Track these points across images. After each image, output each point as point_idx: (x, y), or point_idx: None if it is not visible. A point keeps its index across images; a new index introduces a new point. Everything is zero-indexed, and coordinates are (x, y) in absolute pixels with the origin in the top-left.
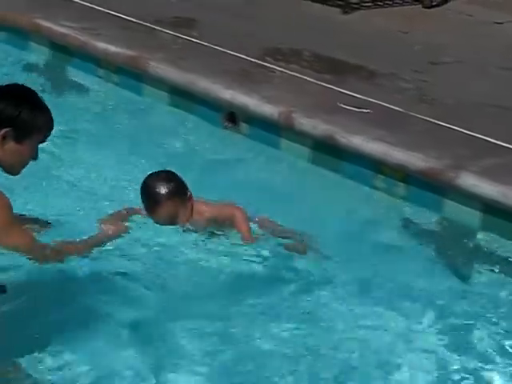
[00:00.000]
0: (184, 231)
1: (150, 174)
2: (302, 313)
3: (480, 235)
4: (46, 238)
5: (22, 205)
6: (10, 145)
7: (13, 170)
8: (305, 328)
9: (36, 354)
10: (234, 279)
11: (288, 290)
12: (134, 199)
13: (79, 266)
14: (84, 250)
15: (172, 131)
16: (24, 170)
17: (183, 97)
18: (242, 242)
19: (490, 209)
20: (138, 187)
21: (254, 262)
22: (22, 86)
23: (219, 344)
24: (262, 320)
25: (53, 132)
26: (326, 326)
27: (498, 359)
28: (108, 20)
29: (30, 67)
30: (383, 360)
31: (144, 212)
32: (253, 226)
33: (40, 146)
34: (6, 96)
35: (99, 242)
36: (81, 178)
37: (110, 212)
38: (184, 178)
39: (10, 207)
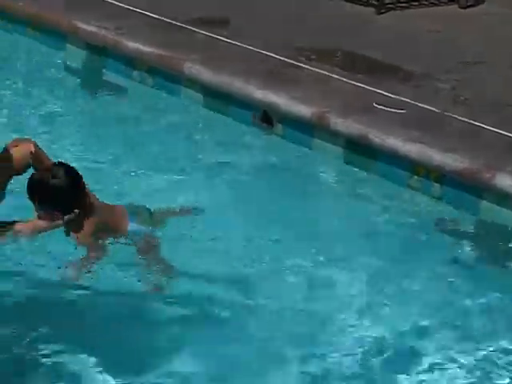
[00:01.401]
0: None
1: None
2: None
3: None
4: None
5: None
6: None
7: None
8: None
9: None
10: None
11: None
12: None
13: None
14: None
15: (205, 131)
16: None
17: (217, 97)
18: None
19: None
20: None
21: None
22: None
23: None
24: None
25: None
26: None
27: None
28: (142, 20)
29: (66, 68)
30: None
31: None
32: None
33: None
34: None
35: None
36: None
37: None
38: (219, 180)
39: None
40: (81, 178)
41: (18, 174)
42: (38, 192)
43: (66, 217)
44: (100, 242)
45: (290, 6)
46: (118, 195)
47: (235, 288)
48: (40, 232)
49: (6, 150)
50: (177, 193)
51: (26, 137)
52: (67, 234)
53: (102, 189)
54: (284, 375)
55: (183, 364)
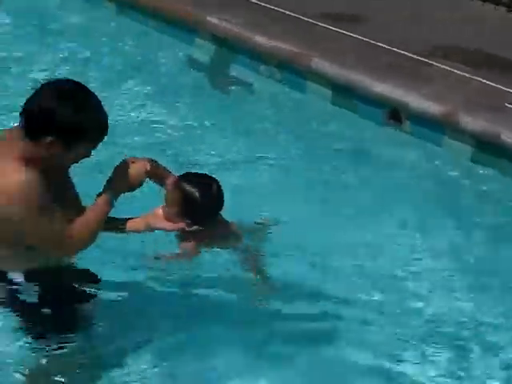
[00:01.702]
0: None
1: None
2: None
3: None
4: None
5: None
6: (57, 150)
7: (61, 168)
8: None
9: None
10: None
11: None
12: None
13: None
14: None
15: (333, 127)
16: None
17: (345, 93)
18: None
19: None
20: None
21: None
22: (70, 84)
23: None
24: None
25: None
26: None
27: None
28: (271, 15)
29: (195, 62)
30: None
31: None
32: None
33: None
34: (50, 101)
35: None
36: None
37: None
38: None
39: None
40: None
41: (132, 190)
42: (185, 202)
43: (193, 227)
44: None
45: (420, 3)
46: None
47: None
48: (154, 230)
49: (124, 162)
50: (306, 188)
51: (144, 156)
52: (179, 239)
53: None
54: None
55: None
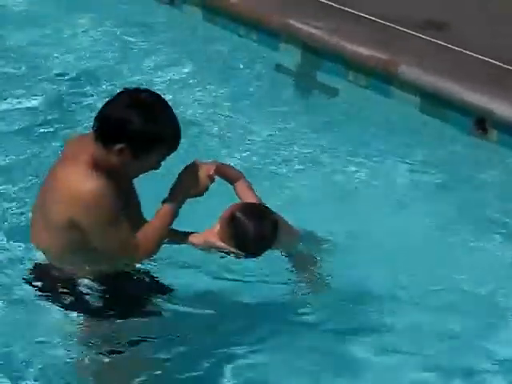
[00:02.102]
0: None
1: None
2: None
3: None
4: None
5: None
6: (126, 158)
7: (128, 176)
8: None
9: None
10: None
11: None
12: None
13: None
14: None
15: (420, 136)
16: None
17: (433, 101)
18: None
19: None
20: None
21: None
22: (146, 94)
23: None
24: None
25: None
26: None
27: None
28: (358, 22)
29: (280, 68)
30: None
31: None
32: None
33: None
34: (124, 109)
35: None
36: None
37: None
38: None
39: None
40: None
41: (198, 195)
42: (237, 237)
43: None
44: None
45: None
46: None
47: None
48: (211, 248)
49: (189, 168)
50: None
51: (210, 160)
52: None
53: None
54: None
55: None
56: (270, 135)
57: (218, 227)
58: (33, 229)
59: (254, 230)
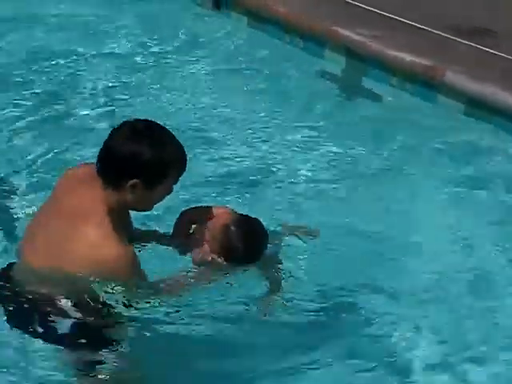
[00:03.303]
0: None
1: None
2: None
3: None
4: None
5: None
6: (141, 192)
7: (145, 210)
8: None
9: None
10: None
11: None
12: None
13: None
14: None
15: (466, 141)
16: None
17: (478, 108)
18: None
19: None
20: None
21: None
22: (140, 123)
23: None
24: None
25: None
26: None
27: None
28: (402, 28)
29: (325, 75)
30: None
31: None
32: None
33: None
34: (127, 143)
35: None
36: None
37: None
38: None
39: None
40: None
41: None
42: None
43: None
44: None
45: None
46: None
47: None
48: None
49: (209, 209)
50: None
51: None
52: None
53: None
54: None
55: None
56: (314, 140)
57: (205, 243)
58: (29, 244)
59: (244, 244)
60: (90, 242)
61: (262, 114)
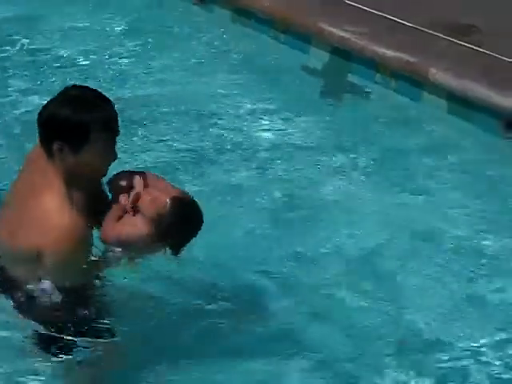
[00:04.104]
0: None
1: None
2: None
3: None
4: None
5: None
6: (70, 158)
7: (95, 177)
8: None
9: None
10: None
11: None
12: None
13: None
14: None
15: (447, 139)
16: None
17: (461, 105)
18: None
19: None
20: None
21: None
22: (70, 89)
23: None
24: None
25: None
26: None
27: None
28: (385, 24)
29: (308, 70)
30: None
31: None
32: None
33: None
34: (50, 108)
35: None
36: None
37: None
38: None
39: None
40: None
41: None
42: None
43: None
44: None
45: None
46: None
47: None
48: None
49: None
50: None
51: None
52: None
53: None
54: None
55: None
56: (301, 137)
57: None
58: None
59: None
60: (43, 210)
61: (253, 112)
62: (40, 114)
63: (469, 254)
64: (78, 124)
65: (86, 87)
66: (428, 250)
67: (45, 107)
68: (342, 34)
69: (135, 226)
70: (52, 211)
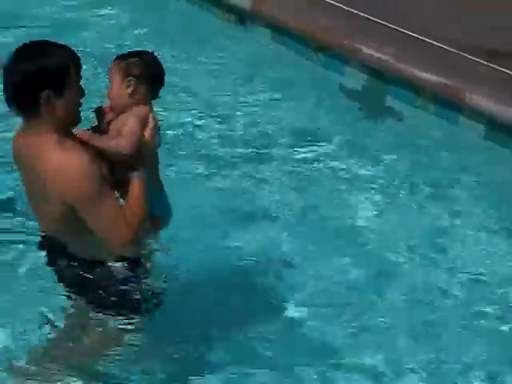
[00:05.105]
0: None
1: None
2: None
3: None
4: None
5: None
6: (57, 103)
7: (75, 122)
8: None
9: None
10: None
11: None
12: None
13: None
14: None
15: (484, 165)
16: None
17: (501, 131)
18: None
19: None
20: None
21: None
22: (20, 47)
23: None
24: None
25: None
26: None
27: None
28: (425, 48)
29: (346, 92)
30: None
31: None
32: None
33: None
34: (16, 71)
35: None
36: None
37: None
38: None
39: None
40: None
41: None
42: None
43: None
44: None
45: None
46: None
47: None
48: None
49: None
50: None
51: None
52: None
53: None
54: None
55: None
56: (336, 157)
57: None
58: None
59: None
60: (53, 170)
61: (286, 129)
62: (10, 79)
63: None
64: (56, 67)
65: (26, 42)
66: None
67: (11, 71)
68: (380, 55)
69: (129, 117)
70: (62, 165)
